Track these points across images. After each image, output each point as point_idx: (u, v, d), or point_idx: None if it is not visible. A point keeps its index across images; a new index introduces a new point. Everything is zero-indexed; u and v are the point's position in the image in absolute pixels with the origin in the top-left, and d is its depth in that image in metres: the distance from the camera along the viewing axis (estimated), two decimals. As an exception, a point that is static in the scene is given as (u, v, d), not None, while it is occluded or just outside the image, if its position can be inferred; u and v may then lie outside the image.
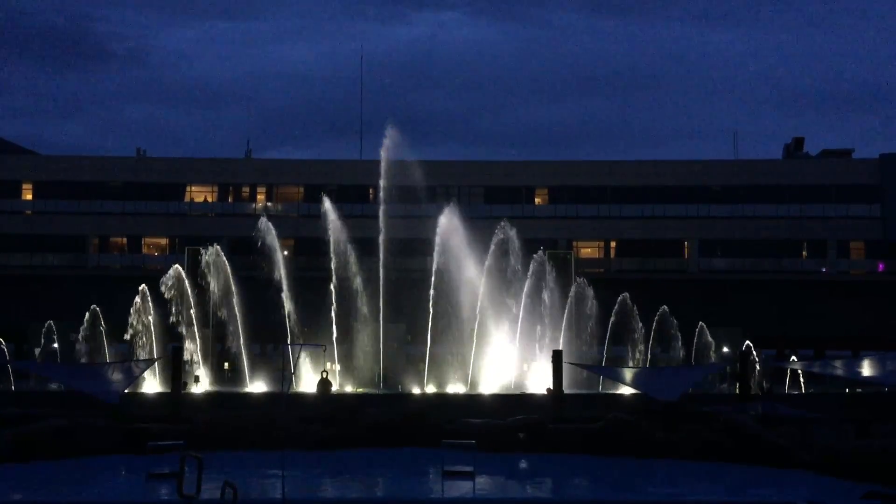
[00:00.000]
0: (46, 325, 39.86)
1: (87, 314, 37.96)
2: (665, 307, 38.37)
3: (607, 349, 37.91)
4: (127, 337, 36.98)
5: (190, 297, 38.32)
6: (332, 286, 37.88)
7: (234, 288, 37.74)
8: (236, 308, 37.81)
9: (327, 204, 39.97)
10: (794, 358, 40.41)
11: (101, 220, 62.11)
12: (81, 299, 40.13)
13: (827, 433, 22.69)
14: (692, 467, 21.93)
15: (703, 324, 38.67)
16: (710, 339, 38.86)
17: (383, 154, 40.67)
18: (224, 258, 38.59)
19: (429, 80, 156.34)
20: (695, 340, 38.66)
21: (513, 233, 39.20)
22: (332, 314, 37.49)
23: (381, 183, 40.73)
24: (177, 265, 39.56)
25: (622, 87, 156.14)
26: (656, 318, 37.99)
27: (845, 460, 20.26)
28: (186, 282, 38.59)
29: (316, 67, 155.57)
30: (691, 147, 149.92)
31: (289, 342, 35.73)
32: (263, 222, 39.51)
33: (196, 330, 38.59)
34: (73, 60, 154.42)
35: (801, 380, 36.45)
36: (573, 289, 38.65)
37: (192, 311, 38.17)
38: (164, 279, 38.06)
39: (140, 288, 37.30)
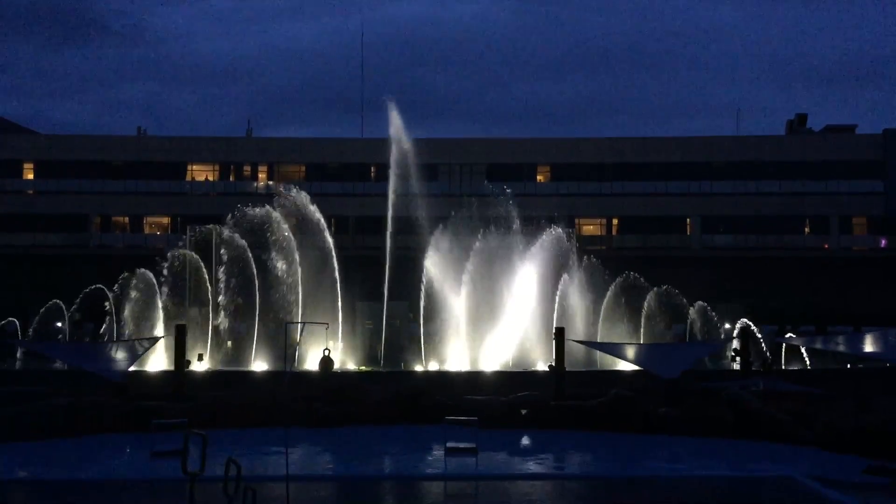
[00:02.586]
0: (52, 304, 39.93)
1: (82, 295, 38.06)
2: (667, 285, 38.40)
3: (607, 326, 37.96)
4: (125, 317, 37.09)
5: (204, 273, 38.46)
6: (338, 263, 37.88)
7: (254, 267, 37.71)
8: (250, 286, 37.87)
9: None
10: (790, 335, 40.45)
11: (102, 200, 62.12)
12: (84, 279, 40.20)
13: (828, 409, 22.76)
14: (693, 443, 22.04)
15: (703, 303, 38.69)
16: (711, 315, 38.91)
17: (393, 131, 40.48)
18: (238, 237, 38.57)
19: (430, 57, 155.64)
20: (690, 317, 38.68)
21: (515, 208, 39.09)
22: (338, 292, 37.53)
23: (392, 160, 40.54)
24: (185, 249, 39.58)
25: (625, 63, 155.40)
26: (656, 295, 38.00)
27: (846, 435, 20.35)
28: (189, 259, 38.67)
29: (317, 44, 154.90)
30: (694, 123, 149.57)
31: (299, 319, 35.72)
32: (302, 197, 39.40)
33: (199, 308, 38.71)
34: (73, 38, 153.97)
35: (805, 356, 36.51)
36: (575, 266, 38.65)
37: (206, 287, 38.33)
38: (172, 253, 38.14)
39: (138, 271, 37.37)
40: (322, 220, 38.97)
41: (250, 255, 38.07)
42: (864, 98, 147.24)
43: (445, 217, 39.18)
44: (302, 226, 38.89)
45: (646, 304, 37.93)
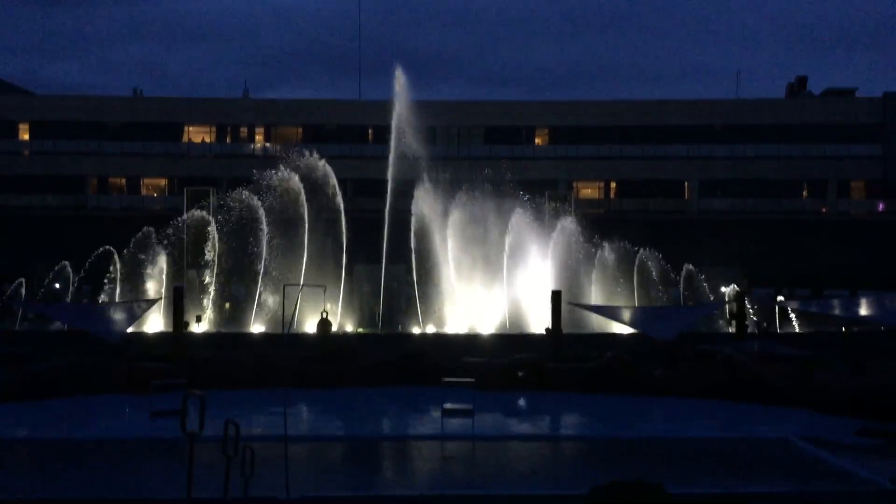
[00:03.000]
0: (60, 265, 39.88)
1: (93, 256, 38.10)
2: (664, 248, 38.48)
3: (603, 289, 38.08)
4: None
5: (213, 237, 38.51)
6: (343, 226, 37.90)
7: (264, 227, 37.66)
8: (252, 248, 37.93)
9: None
10: (781, 298, 40.61)
11: (99, 161, 61.86)
12: (81, 240, 40.20)
13: (823, 371, 22.94)
14: (689, 405, 22.24)
15: (690, 266, 38.75)
16: (708, 278, 39.04)
17: (397, 92, 40.18)
18: (256, 199, 38.46)
19: (429, 18, 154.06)
20: (681, 279, 38.78)
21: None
22: (343, 254, 37.56)
23: (393, 123, 40.31)
24: (204, 212, 39.60)
25: (625, 26, 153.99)
26: (652, 259, 38.08)
27: (840, 398, 20.54)
28: (195, 221, 38.71)
29: (314, 5, 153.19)
30: (694, 87, 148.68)
31: (302, 281, 35.71)
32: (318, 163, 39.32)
33: (197, 270, 38.77)
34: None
35: (794, 319, 36.67)
36: (571, 229, 38.65)
37: (210, 250, 38.40)
38: (186, 217, 38.23)
39: (144, 229, 37.44)
40: (335, 184, 38.92)
41: (262, 215, 37.97)
42: (866, 61, 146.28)
43: (443, 180, 39.09)
44: (312, 188, 38.83)
45: (637, 265, 37.99)
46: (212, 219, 39.53)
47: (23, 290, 38.67)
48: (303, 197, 38.42)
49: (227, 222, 38.67)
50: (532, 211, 39.34)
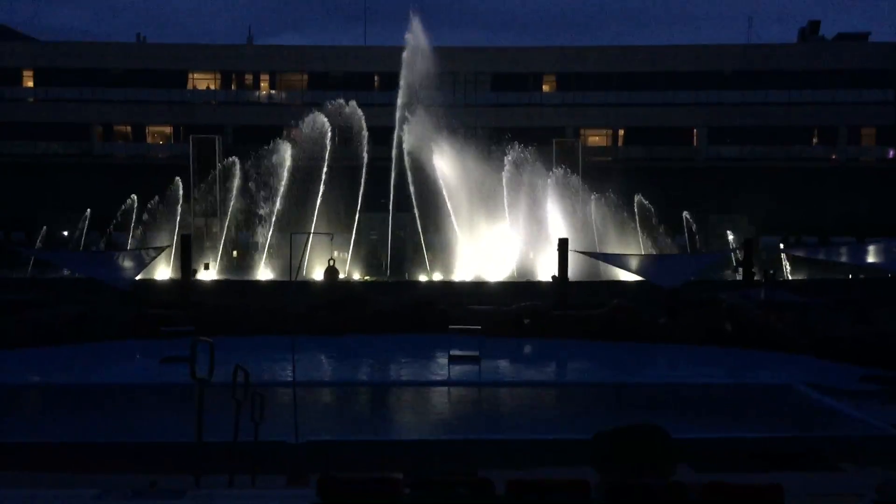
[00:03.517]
0: (85, 215, 39.97)
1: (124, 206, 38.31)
2: (669, 196, 38.36)
3: (609, 236, 38.09)
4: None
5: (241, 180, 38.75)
6: (363, 175, 37.88)
7: (284, 176, 37.70)
8: (264, 196, 38.10)
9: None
10: (782, 245, 40.57)
11: (103, 108, 61.46)
12: (88, 188, 40.23)
13: (827, 319, 23.02)
14: (694, 352, 22.38)
15: (687, 214, 38.64)
16: (716, 226, 39.00)
17: (409, 40, 39.74)
18: (285, 151, 38.44)
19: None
20: (684, 227, 38.73)
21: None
22: (358, 203, 37.60)
23: (402, 72, 39.93)
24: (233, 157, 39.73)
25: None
26: (658, 206, 38.02)
27: (844, 345, 20.63)
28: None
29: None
30: (705, 32, 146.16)
31: (312, 229, 35.75)
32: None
33: (206, 219, 38.90)
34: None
35: (786, 266, 36.62)
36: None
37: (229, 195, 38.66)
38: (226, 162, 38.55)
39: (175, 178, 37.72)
40: (365, 132, 38.82)
41: (287, 161, 37.95)
42: (880, 5, 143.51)
43: (449, 127, 38.83)
44: (341, 137, 38.82)
45: (636, 209, 37.91)
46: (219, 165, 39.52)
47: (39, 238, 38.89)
48: (328, 146, 38.36)
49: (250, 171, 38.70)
50: (535, 156, 39.12)
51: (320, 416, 15.02)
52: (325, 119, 39.03)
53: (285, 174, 37.75)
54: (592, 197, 38.92)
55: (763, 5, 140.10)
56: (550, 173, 38.89)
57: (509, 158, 38.16)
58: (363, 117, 40.25)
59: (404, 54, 39.69)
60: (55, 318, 23.58)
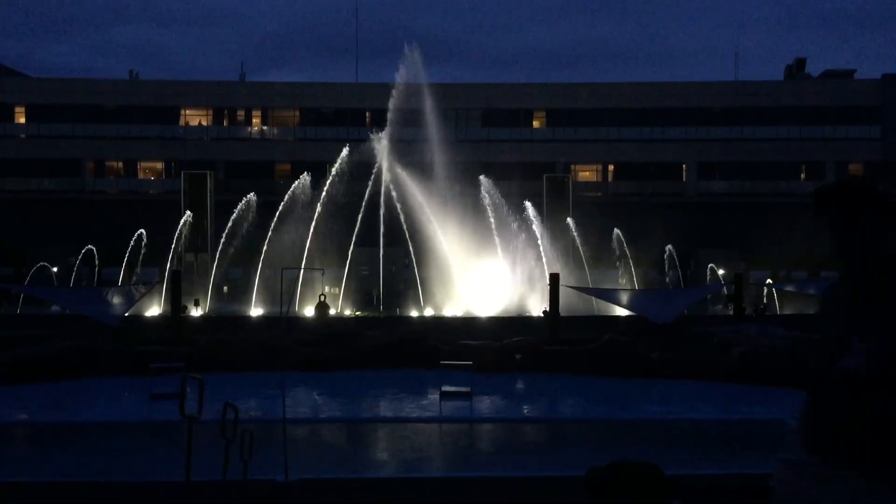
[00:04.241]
0: (87, 250, 39.90)
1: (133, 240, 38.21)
2: (659, 231, 38.52)
3: (600, 271, 38.14)
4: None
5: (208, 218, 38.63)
6: (361, 211, 37.94)
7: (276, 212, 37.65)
8: (253, 232, 38.03)
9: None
10: (769, 281, 40.70)
11: (95, 144, 61.63)
12: (79, 224, 40.16)
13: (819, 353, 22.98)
14: (686, 387, 22.30)
15: (698, 249, 38.87)
16: (705, 260, 39.17)
17: (399, 77, 40.06)
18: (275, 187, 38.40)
19: (426, 1, 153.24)
20: (675, 262, 38.87)
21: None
22: (353, 238, 37.58)
23: (390, 105, 40.16)
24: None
25: (623, 7, 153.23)
26: (649, 242, 38.15)
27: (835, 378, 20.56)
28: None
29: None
30: (692, 69, 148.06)
31: (302, 266, 35.73)
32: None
33: (196, 254, 38.82)
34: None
35: (770, 300, 36.71)
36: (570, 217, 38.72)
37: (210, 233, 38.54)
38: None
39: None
40: (381, 167, 38.85)
41: (263, 201, 37.94)
42: (865, 43, 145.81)
43: (441, 162, 39.02)
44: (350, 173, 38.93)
45: (625, 244, 38.04)
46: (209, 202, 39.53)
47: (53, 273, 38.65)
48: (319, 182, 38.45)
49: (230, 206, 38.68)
50: (526, 191, 39.28)
51: (311, 453, 14.87)
52: (315, 156, 39.15)
53: (277, 210, 37.78)
54: (577, 231, 39.06)
55: (749, 43, 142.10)
56: (525, 205, 39.02)
57: (497, 193, 38.30)
58: (354, 153, 40.44)
59: (392, 92, 40.00)
60: (44, 355, 23.37)
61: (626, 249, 38.17)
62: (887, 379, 3.21)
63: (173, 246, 39.26)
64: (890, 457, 3.09)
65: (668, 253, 39.05)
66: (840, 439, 3.36)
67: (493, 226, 37.75)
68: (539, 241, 37.74)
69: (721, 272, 40.67)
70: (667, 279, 39.93)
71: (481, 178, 39.11)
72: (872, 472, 3.12)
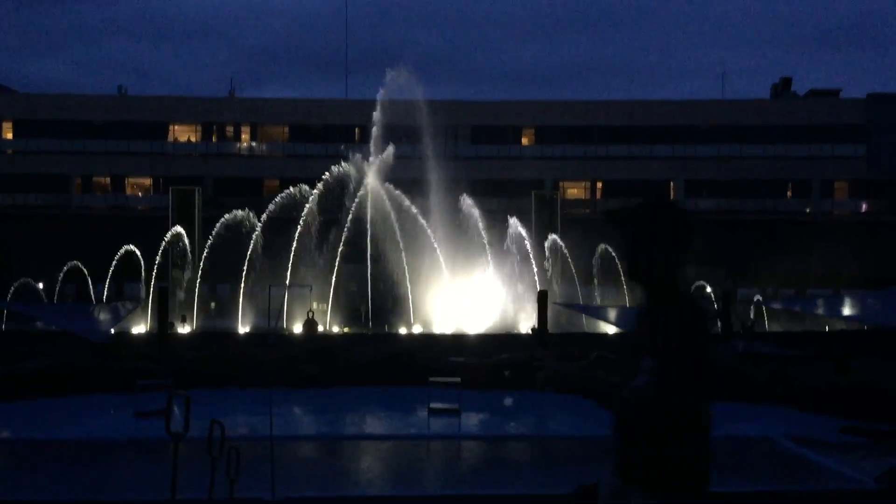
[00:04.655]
0: (72, 265, 39.62)
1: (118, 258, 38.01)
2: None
3: (593, 289, 38.21)
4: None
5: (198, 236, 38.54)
6: (345, 227, 37.89)
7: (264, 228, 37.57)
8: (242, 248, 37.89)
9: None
10: (758, 297, 40.87)
11: (83, 160, 61.43)
12: (66, 240, 39.96)
13: (807, 370, 23.08)
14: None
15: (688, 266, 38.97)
16: (692, 278, 39.26)
17: (380, 96, 40.21)
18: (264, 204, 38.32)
19: (415, 17, 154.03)
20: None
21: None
22: (339, 253, 37.52)
23: (374, 120, 40.26)
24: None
25: (611, 25, 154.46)
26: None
27: (823, 396, 20.64)
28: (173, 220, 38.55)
29: (299, 3, 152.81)
30: (680, 87, 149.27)
31: (288, 282, 35.66)
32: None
33: (183, 270, 38.65)
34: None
35: (757, 317, 36.85)
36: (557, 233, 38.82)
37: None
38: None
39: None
40: (370, 187, 38.81)
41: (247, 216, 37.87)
42: (850, 62, 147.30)
43: (429, 178, 39.09)
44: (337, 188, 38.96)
45: (615, 259, 38.14)
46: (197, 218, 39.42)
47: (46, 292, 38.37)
48: (307, 198, 38.40)
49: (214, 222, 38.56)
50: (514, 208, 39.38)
51: (298, 470, 14.75)
52: (303, 172, 39.18)
53: (265, 226, 37.72)
54: (565, 248, 39.14)
55: (736, 62, 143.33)
56: (511, 222, 39.11)
57: (484, 210, 38.38)
58: (343, 169, 40.47)
59: (379, 109, 40.12)
60: (28, 371, 23.17)
61: (620, 267, 38.23)
62: (660, 401, 3.21)
63: (160, 262, 39.09)
64: (664, 477, 3.07)
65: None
66: (626, 460, 3.41)
67: (482, 242, 37.79)
68: (529, 258, 37.80)
69: (708, 289, 40.77)
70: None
71: (463, 196, 39.22)
72: (654, 493, 3.12)
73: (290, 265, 36.75)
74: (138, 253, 38.66)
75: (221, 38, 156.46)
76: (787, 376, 22.56)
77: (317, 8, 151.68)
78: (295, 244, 37.08)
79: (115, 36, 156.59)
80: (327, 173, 38.98)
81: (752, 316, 37.38)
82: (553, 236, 40.44)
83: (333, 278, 37.38)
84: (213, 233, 39.12)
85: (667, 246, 3.30)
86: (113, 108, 62.35)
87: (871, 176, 61.49)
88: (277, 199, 39.12)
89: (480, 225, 38.04)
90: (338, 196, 39.48)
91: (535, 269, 37.79)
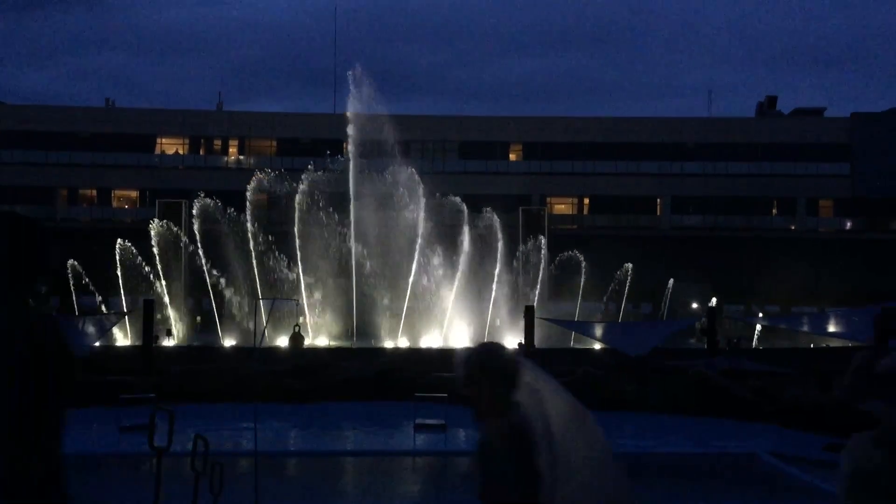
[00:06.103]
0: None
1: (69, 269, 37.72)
2: (633, 264, 38.77)
3: (579, 305, 38.30)
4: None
5: (193, 248, 38.35)
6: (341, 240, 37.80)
7: (251, 242, 37.49)
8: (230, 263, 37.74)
9: None
10: (760, 314, 41.09)
11: (69, 172, 61.17)
12: (49, 252, 39.65)
13: (791, 387, 23.16)
14: (659, 420, 22.32)
15: (673, 280, 39.16)
16: (679, 294, 39.44)
17: (350, 106, 40.31)
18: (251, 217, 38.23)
19: (404, 33, 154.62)
20: (666, 296, 39.16)
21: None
22: (332, 267, 37.47)
23: (349, 133, 40.35)
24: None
25: (597, 42, 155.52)
26: (625, 274, 38.39)
27: (808, 413, 20.71)
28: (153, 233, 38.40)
29: (289, 17, 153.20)
30: (666, 104, 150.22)
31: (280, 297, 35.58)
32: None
33: (168, 283, 38.48)
34: (38, 5, 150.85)
35: (755, 334, 37.05)
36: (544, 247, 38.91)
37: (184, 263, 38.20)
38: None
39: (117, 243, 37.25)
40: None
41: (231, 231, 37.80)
42: (834, 82, 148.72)
43: (416, 193, 39.11)
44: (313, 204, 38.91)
45: (618, 283, 38.30)
46: (182, 232, 39.27)
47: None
48: (294, 210, 38.36)
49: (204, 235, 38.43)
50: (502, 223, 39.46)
51: (283, 486, 14.67)
52: (292, 185, 39.17)
53: (251, 239, 37.65)
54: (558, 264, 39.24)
55: (722, 80, 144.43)
56: (498, 237, 39.18)
57: (471, 225, 38.47)
58: (326, 183, 40.50)
59: (363, 122, 40.22)
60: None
61: (613, 283, 38.40)
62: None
63: (145, 275, 38.90)
64: None
65: (669, 286, 39.31)
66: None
67: (469, 258, 37.83)
68: (516, 273, 37.87)
69: (694, 305, 40.97)
70: (639, 311, 40.15)
71: (448, 209, 39.29)
72: None
73: (275, 279, 36.69)
74: (123, 266, 38.47)
75: (210, 52, 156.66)
76: (771, 393, 22.63)
77: (305, 22, 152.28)
78: (284, 257, 37.05)
79: (102, 48, 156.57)
80: (302, 184, 38.98)
81: (755, 332, 37.52)
82: (541, 251, 40.53)
83: (321, 293, 37.35)
84: (202, 247, 39.01)
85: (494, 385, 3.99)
86: (100, 121, 62.17)
87: (855, 194, 62.00)
88: (266, 213, 39.09)
89: (467, 239, 38.11)
90: (320, 210, 39.51)
91: (521, 284, 37.85)
